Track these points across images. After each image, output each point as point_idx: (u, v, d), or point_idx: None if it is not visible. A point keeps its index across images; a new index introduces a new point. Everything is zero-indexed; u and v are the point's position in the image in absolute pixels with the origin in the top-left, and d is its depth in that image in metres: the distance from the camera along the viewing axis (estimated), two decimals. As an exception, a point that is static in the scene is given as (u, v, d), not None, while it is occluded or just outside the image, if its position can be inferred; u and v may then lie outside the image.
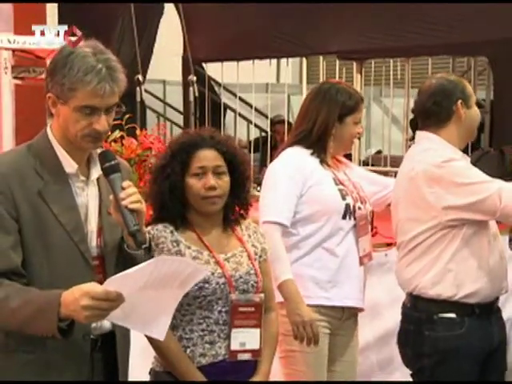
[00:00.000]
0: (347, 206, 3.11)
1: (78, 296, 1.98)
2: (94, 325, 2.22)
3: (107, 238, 2.27)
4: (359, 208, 3.15)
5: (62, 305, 2.01)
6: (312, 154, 3.16)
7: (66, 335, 2.05)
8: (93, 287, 2.00)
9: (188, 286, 2.17)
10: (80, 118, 2.16)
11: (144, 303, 2.05)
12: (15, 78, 5.01)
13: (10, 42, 4.81)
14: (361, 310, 3.24)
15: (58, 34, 4.46)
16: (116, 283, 1.98)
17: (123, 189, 2.15)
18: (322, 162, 3.16)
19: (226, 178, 2.58)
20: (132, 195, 2.15)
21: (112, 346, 2.28)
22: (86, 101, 2.15)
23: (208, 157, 2.56)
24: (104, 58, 2.17)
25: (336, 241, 3.10)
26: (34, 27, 4.55)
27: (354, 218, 3.13)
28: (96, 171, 2.27)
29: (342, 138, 3.20)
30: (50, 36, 4.50)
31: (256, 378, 2.59)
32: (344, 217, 3.10)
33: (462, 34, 6.70)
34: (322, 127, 3.16)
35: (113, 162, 2.19)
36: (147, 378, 2.66)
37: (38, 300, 2.06)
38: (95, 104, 2.15)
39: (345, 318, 3.16)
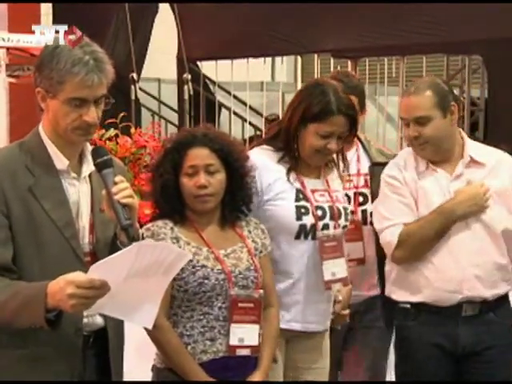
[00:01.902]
0: (302, 226, 2.80)
1: (62, 285, 1.99)
2: (85, 320, 2.24)
3: (99, 234, 2.28)
4: (325, 226, 2.83)
5: (48, 295, 2.02)
6: (281, 159, 2.85)
7: (54, 326, 2.06)
8: (77, 276, 2.01)
9: (173, 273, 2.17)
10: (69, 110, 2.18)
11: (129, 292, 2.06)
12: (9, 76, 5.01)
13: (4, 40, 4.80)
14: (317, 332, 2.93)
15: (58, 34, 4.46)
16: (100, 271, 1.99)
17: (115, 184, 2.16)
18: (291, 169, 2.84)
19: (219, 176, 2.58)
20: (124, 190, 2.16)
21: (104, 342, 2.29)
22: (75, 93, 2.16)
23: (199, 155, 2.57)
24: (90, 49, 2.20)
25: (289, 262, 2.82)
26: (33, 27, 4.56)
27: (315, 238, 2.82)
28: (87, 168, 2.29)
29: (303, 146, 2.82)
30: (49, 35, 4.51)
31: (256, 375, 2.60)
32: (298, 237, 2.80)
33: (457, 32, 6.72)
34: (285, 127, 2.84)
35: (105, 158, 2.21)
36: (144, 375, 2.66)
37: (25, 292, 2.07)
38: (84, 96, 2.17)
39: (296, 338, 2.87)
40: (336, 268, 2.84)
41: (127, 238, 2.15)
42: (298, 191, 2.83)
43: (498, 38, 6.45)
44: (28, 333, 2.14)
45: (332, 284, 2.84)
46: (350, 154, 3.18)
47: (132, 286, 2.05)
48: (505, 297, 3.08)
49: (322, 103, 2.77)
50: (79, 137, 2.22)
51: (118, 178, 2.18)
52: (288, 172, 2.84)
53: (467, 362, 3.02)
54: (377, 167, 3.17)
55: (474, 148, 3.07)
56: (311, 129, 2.79)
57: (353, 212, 3.13)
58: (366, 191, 3.19)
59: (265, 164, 2.81)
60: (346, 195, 3.09)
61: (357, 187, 3.17)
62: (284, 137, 2.85)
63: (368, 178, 3.19)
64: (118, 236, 2.23)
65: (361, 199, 3.20)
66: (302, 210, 2.81)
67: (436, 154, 3.01)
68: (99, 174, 2.21)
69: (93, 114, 2.19)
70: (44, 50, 2.24)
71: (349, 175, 3.12)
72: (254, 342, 2.58)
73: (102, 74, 2.18)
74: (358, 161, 3.21)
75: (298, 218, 2.80)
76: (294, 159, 2.85)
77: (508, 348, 3.05)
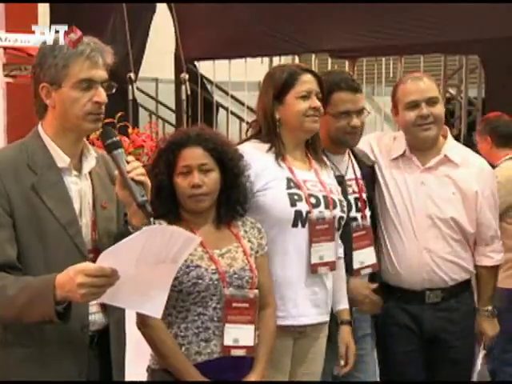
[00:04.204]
0: (297, 212, 2.75)
1: (72, 275, 2.00)
2: (90, 318, 2.24)
3: (102, 231, 2.28)
4: (320, 213, 2.79)
5: (57, 286, 2.02)
6: (269, 149, 2.82)
7: (64, 319, 2.06)
8: (86, 265, 2.02)
9: (181, 259, 2.17)
10: (79, 95, 2.19)
11: (139, 280, 2.06)
12: (7, 75, 5.01)
13: (1, 39, 4.80)
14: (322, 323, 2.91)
15: (58, 34, 4.47)
16: (110, 259, 1.99)
17: (128, 163, 2.18)
18: (279, 156, 2.82)
19: (213, 176, 2.58)
20: (137, 168, 2.17)
21: (107, 342, 2.29)
22: (82, 73, 2.18)
23: (193, 155, 2.57)
24: (88, 38, 2.23)
25: (287, 251, 2.78)
26: (33, 27, 4.56)
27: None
28: (88, 165, 2.30)
29: (290, 120, 2.82)
30: (48, 36, 4.52)
31: (252, 377, 2.58)
32: (295, 225, 2.76)
33: (454, 32, 6.73)
34: (262, 115, 2.85)
35: (115, 139, 2.22)
36: (141, 374, 2.66)
37: (34, 285, 2.07)
38: (91, 76, 2.19)
39: (304, 333, 2.86)
40: (324, 252, 2.82)
41: (145, 215, 2.15)
42: (289, 180, 2.80)
43: (495, 37, 6.45)
44: (34, 331, 2.15)
45: (318, 268, 2.81)
46: (344, 159, 3.16)
47: (141, 274, 2.05)
48: (463, 284, 3.26)
49: (285, 73, 2.84)
50: (91, 123, 2.22)
51: (129, 158, 2.20)
52: (276, 157, 2.81)
53: (432, 345, 3.22)
54: (367, 169, 3.21)
55: (451, 147, 3.25)
56: (289, 99, 2.82)
57: (354, 218, 3.09)
58: (365, 196, 3.15)
59: (251, 154, 2.76)
60: (347, 201, 3.04)
61: (356, 192, 3.12)
62: (265, 126, 2.85)
63: (363, 181, 3.16)
64: (129, 221, 2.23)
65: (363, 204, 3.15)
66: (295, 197, 2.78)
67: (435, 136, 3.19)
68: (110, 154, 2.22)
69: (102, 94, 2.21)
70: (41, 47, 2.25)
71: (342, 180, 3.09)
72: (250, 342, 2.57)
73: (104, 54, 2.22)
74: (352, 166, 3.17)
75: (293, 204, 2.76)
76: (282, 145, 2.84)
77: (467, 333, 3.27)
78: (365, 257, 3.11)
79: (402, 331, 3.22)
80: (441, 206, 3.16)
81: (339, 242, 2.99)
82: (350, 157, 3.17)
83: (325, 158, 3.00)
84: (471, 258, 3.26)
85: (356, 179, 3.14)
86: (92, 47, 2.19)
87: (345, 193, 3.03)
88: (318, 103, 2.82)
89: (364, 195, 3.14)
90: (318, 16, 7.34)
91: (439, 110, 3.16)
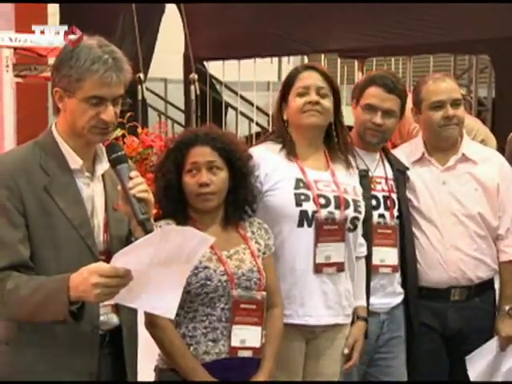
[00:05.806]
0: (303, 212, 2.77)
1: (86, 275, 2.01)
2: (101, 319, 2.25)
3: (113, 233, 2.29)
4: (330, 213, 2.80)
5: (71, 287, 2.04)
6: (281, 149, 2.86)
7: (77, 319, 2.07)
8: (100, 265, 2.04)
9: (195, 259, 2.17)
10: (87, 108, 2.19)
11: (152, 280, 2.06)
12: (16, 75, 5.01)
13: (11, 40, 4.81)
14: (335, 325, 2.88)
15: (58, 34, 4.48)
16: (124, 259, 2.01)
17: (131, 179, 2.18)
18: (289, 155, 2.84)
19: (222, 175, 2.58)
20: (140, 184, 2.18)
21: (119, 341, 2.30)
22: (94, 91, 2.17)
23: (201, 153, 2.57)
24: (109, 49, 2.21)
25: (293, 251, 2.78)
26: (33, 27, 4.57)
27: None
28: (101, 167, 2.30)
29: (291, 118, 2.87)
30: (50, 35, 4.53)
31: (259, 377, 2.59)
32: (301, 224, 2.77)
33: (464, 32, 6.71)
34: (275, 116, 2.95)
35: (120, 153, 2.22)
36: (150, 374, 2.66)
37: (48, 285, 2.08)
38: (102, 94, 2.18)
39: (316, 334, 2.86)
40: (332, 252, 2.80)
41: (144, 232, 2.15)
42: (299, 180, 2.82)
43: (505, 37, 6.44)
44: (46, 331, 2.16)
45: (324, 268, 2.80)
46: (375, 157, 3.17)
47: (154, 275, 2.05)
48: (488, 283, 3.28)
49: (289, 72, 2.94)
50: (96, 136, 2.23)
51: (133, 173, 2.20)
52: (287, 155, 2.84)
53: (451, 342, 3.24)
54: (398, 173, 3.20)
55: (468, 145, 3.29)
56: (290, 98, 2.86)
57: (382, 215, 3.09)
58: (395, 196, 3.14)
59: (263, 155, 2.82)
60: (375, 197, 3.07)
61: (385, 191, 3.12)
62: (277, 127, 2.92)
63: (393, 183, 3.17)
64: (133, 232, 2.25)
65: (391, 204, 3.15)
66: (302, 197, 2.79)
67: (456, 137, 3.24)
68: (114, 169, 2.22)
69: (110, 113, 2.20)
70: (63, 49, 2.25)
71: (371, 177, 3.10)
72: (256, 343, 2.58)
73: (121, 73, 2.20)
74: (383, 165, 3.17)
75: (298, 204, 2.77)
76: (292, 143, 2.86)
77: (488, 332, 3.28)
78: (386, 256, 3.09)
79: (424, 329, 3.20)
80: (465, 202, 3.19)
81: (362, 240, 2.98)
82: (381, 157, 3.19)
83: (350, 158, 2.97)
84: (495, 256, 3.26)
85: (386, 179, 3.14)
86: (108, 66, 2.17)
87: (367, 188, 3.03)
88: (314, 97, 2.81)
89: (393, 195, 3.13)
90: (327, 16, 7.33)
91: (461, 112, 3.19)
